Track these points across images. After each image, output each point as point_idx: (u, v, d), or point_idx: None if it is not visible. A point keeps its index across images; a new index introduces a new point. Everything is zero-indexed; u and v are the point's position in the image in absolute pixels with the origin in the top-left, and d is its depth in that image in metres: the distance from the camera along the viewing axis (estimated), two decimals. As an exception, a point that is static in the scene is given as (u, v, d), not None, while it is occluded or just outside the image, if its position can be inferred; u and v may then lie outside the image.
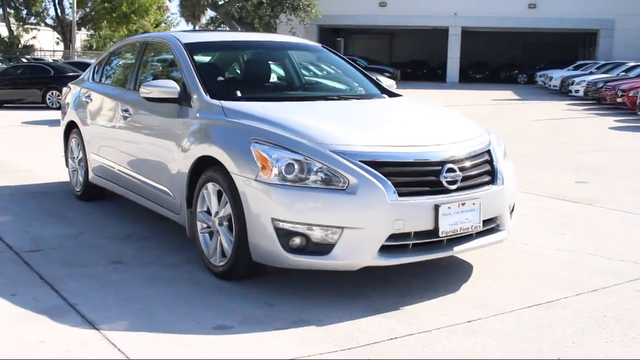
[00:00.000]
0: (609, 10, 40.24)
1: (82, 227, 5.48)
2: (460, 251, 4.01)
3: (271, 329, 3.46)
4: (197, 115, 4.50)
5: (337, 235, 3.69)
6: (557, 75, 31.77)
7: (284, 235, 3.74)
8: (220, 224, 4.14)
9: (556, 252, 4.93)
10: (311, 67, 5.77)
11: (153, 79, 5.30)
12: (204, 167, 4.31)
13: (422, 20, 41.34)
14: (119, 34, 43.12)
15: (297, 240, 3.75)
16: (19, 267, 4.42)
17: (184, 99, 4.65)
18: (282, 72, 5.50)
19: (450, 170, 3.92)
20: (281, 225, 3.73)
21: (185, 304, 3.77)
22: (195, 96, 4.59)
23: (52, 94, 18.82)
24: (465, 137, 4.27)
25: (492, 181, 4.19)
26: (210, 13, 48.27)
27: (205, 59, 5.21)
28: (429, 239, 3.87)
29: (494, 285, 4.18)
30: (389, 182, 3.72)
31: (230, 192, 3.96)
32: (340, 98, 4.98)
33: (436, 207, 3.81)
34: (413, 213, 3.77)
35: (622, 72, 25.99)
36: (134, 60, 5.73)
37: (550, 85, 31.92)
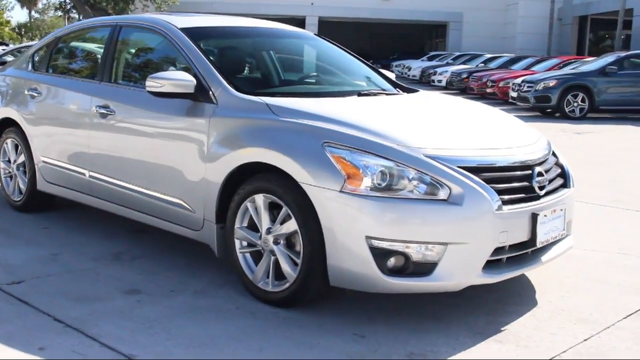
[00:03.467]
0: (457, 3, 42.31)
1: (51, 247, 4.55)
2: (547, 261, 3.67)
3: (393, 369, 2.94)
4: (223, 113, 3.81)
5: (441, 253, 3.22)
6: (416, 66, 32.80)
7: (380, 256, 3.20)
8: (276, 243, 3.52)
9: (584, 252, 4.73)
10: (306, 58, 5.17)
11: (142, 71, 4.49)
12: (243, 175, 3.67)
13: (280, 10, 40.99)
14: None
15: (393, 261, 3.23)
16: (17, 307, 3.50)
17: (200, 94, 3.94)
18: (293, 64, 4.87)
19: (540, 174, 3.58)
20: (376, 243, 3.19)
21: (267, 344, 3.12)
22: (217, 91, 3.89)
23: None
24: (533, 138, 3.94)
25: (566, 184, 3.91)
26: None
27: (210, 47, 4.47)
28: (524, 250, 3.51)
29: (566, 295, 3.90)
30: (493, 190, 3.31)
31: (298, 206, 3.36)
32: (370, 94, 4.44)
33: (534, 216, 3.45)
34: (515, 223, 3.38)
35: (480, 63, 27.25)
36: (103, 48, 4.84)
37: (409, 75, 32.83)
